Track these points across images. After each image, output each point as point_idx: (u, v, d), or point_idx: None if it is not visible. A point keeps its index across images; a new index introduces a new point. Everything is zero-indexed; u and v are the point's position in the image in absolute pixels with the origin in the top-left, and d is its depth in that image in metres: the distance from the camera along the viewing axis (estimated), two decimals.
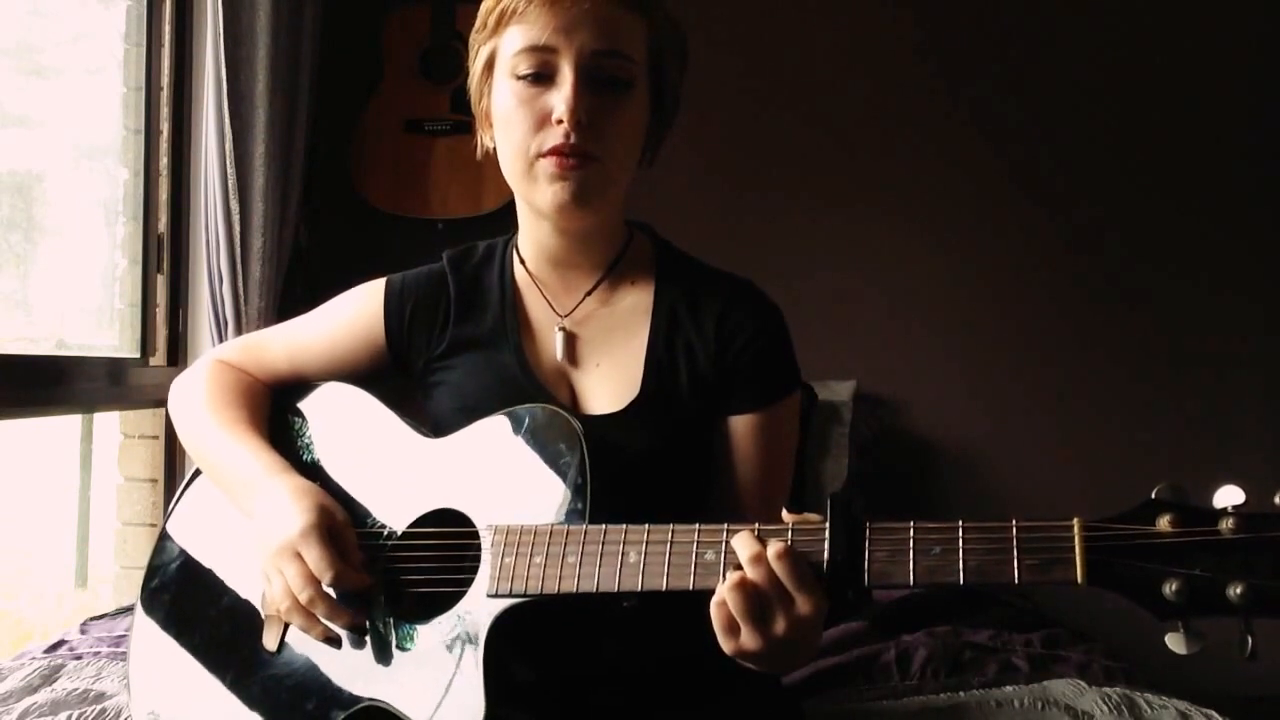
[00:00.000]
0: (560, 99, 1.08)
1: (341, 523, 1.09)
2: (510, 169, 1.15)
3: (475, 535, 1.04)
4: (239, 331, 2.17)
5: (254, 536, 1.11)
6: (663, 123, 1.20)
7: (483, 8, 1.14)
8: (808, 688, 1.52)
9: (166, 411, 1.34)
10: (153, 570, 1.24)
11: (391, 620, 1.06)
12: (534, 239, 1.21)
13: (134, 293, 2.35)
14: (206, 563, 1.21)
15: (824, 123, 2.74)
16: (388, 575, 1.09)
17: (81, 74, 2.48)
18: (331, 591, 1.05)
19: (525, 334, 1.21)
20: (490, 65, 1.15)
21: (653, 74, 1.15)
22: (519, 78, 1.10)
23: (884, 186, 2.73)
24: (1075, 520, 0.82)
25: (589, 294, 1.21)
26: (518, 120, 1.11)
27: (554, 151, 1.09)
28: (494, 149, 1.18)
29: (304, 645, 1.10)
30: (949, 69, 2.73)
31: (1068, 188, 2.71)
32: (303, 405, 1.26)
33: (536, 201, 1.13)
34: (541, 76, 1.10)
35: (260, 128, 2.21)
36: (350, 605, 1.06)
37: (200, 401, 1.24)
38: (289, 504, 1.08)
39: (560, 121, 1.08)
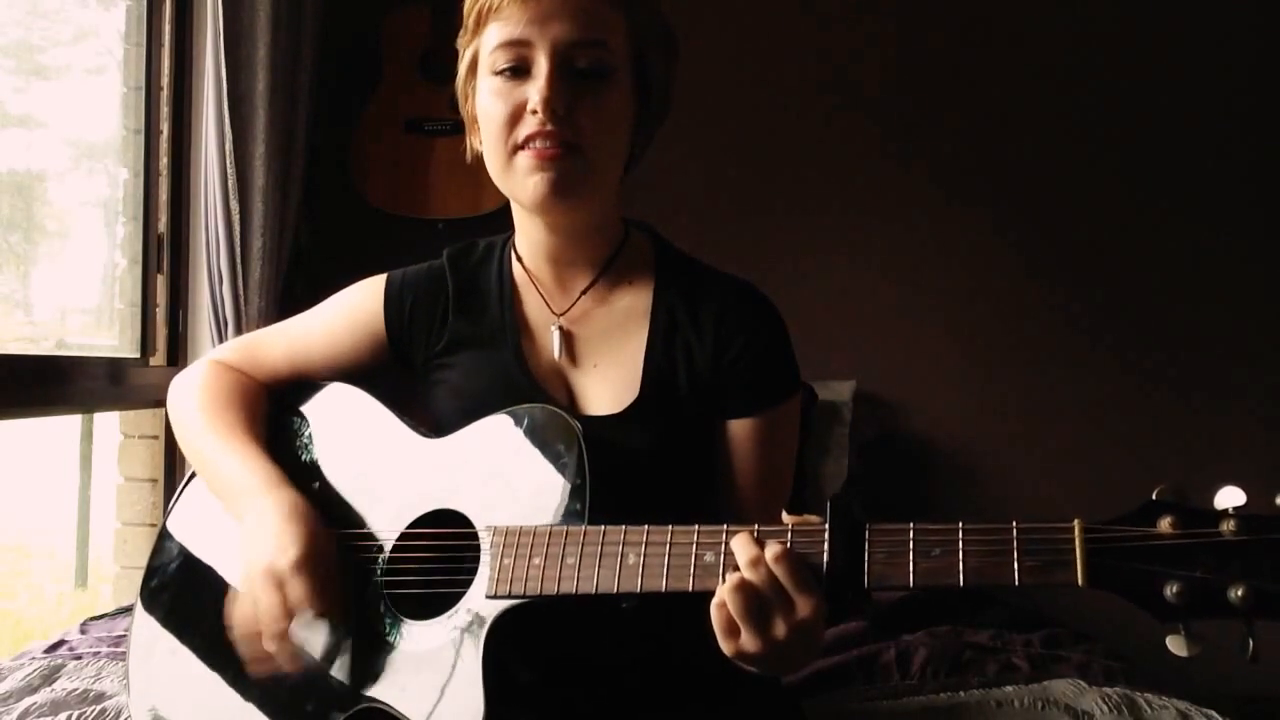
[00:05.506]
0: (535, 89, 1.08)
1: (328, 552, 1.07)
2: (493, 165, 1.14)
3: (474, 536, 1.04)
4: (239, 331, 2.16)
5: (241, 546, 1.10)
6: (651, 118, 1.18)
7: (464, 10, 1.14)
8: (808, 688, 1.52)
9: (166, 411, 1.33)
10: (152, 569, 1.23)
11: (391, 621, 1.06)
12: (528, 236, 1.21)
13: (134, 293, 2.35)
14: (206, 562, 1.21)
15: (825, 123, 2.73)
16: (387, 576, 1.09)
17: (81, 74, 2.48)
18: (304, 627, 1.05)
19: (523, 333, 1.20)
20: (473, 66, 1.15)
21: (635, 65, 1.14)
22: (497, 73, 1.10)
23: (885, 187, 2.72)
24: (1076, 521, 0.82)
25: (585, 292, 1.20)
26: (496, 114, 1.10)
27: (531, 140, 1.08)
28: (483, 151, 1.17)
29: (304, 646, 1.09)
30: (951, 70, 2.72)
31: (1068, 189, 2.71)
32: (301, 406, 1.25)
33: (519, 196, 1.13)
34: (519, 70, 1.09)
35: (260, 128, 2.20)
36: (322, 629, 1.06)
37: (195, 405, 1.23)
38: (280, 527, 1.07)
39: (536, 111, 1.07)
